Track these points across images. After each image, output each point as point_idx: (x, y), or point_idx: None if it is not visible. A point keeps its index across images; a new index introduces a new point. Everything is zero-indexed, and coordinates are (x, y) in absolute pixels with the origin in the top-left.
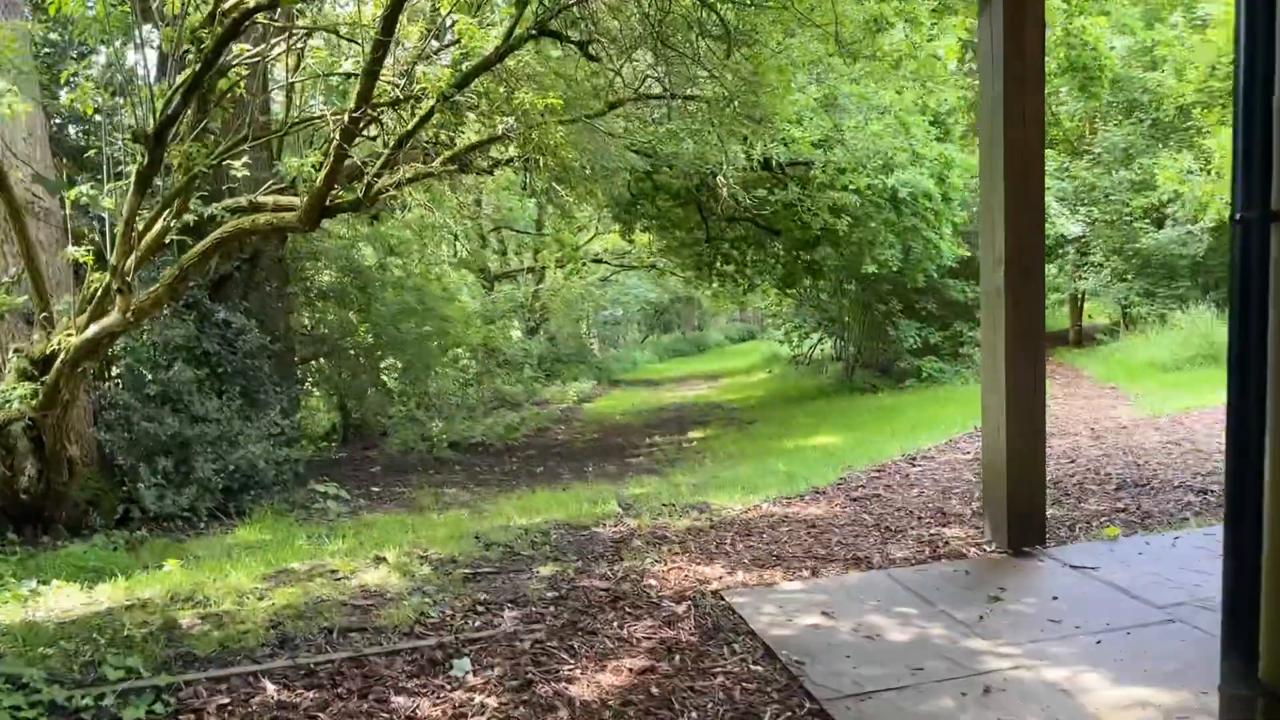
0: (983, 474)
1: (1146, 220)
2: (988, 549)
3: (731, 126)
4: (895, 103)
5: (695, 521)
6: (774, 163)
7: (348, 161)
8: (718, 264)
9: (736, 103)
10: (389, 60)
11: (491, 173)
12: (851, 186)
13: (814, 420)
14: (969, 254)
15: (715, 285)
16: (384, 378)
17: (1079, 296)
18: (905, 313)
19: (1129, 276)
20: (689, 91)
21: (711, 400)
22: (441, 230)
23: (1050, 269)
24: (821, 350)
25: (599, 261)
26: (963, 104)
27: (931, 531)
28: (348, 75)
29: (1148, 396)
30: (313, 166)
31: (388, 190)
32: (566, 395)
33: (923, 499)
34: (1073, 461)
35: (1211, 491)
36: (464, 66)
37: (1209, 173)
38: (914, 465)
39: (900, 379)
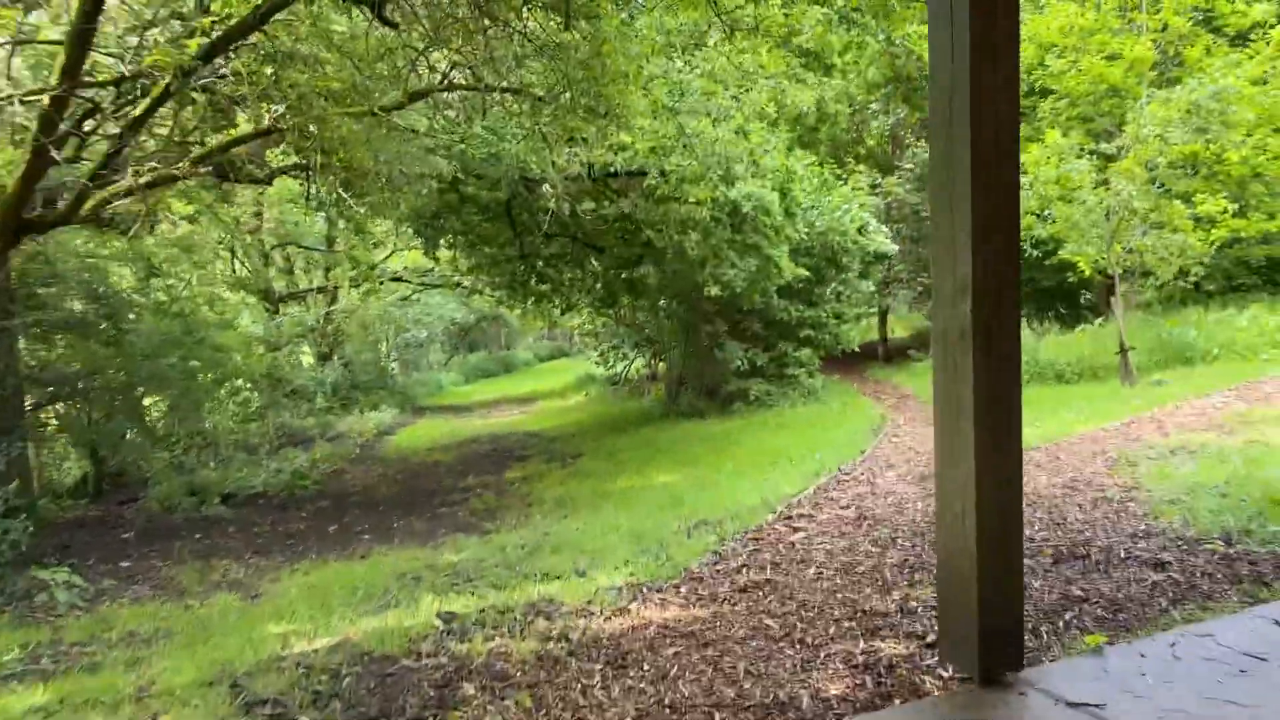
0: (938, 573)
1: None
2: (947, 675)
3: (566, 122)
4: (746, 104)
5: (546, 644)
6: (614, 170)
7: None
8: (532, 283)
9: (572, 93)
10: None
11: (269, 182)
12: (692, 199)
13: (644, 453)
14: (807, 274)
15: (530, 305)
16: (146, 418)
17: (885, 311)
18: (731, 333)
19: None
20: (511, 80)
21: (527, 429)
22: (215, 247)
23: (868, 284)
24: (638, 371)
25: (399, 280)
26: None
27: (862, 648)
28: (52, 44)
29: None
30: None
31: (115, 199)
32: (366, 427)
33: (828, 586)
34: None
35: (1168, 565)
36: (214, 34)
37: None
38: (794, 529)
39: (727, 403)
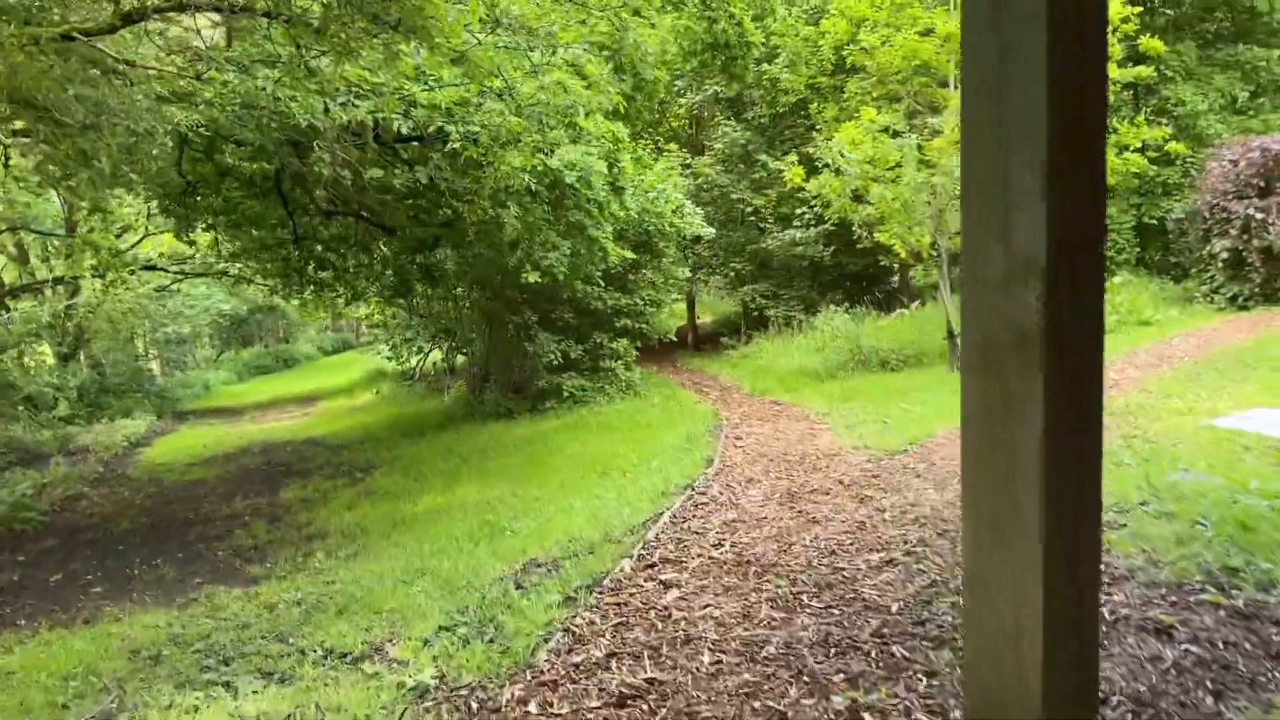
0: (970, 713)
1: (770, 220)
2: None
3: (355, 44)
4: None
5: None
6: (414, 132)
7: None
8: (310, 270)
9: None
10: None
11: None
12: (509, 165)
13: (449, 463)
14: (633, 256)
15: (309, 295)
16: None
17: (693, 297)
18: (541, 323)
19: (753, 277)
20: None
21: (310, 435)
22: None
23: (684, 270)
24: (435, 365)
25: (153, 269)
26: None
27: None
28: None
29: (837, 417)
30: None
31: None
32: (114, 439)
33: (734, 687)
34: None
35: (1174, 632)
36: None
37: (836, 171)
38: (662, 583)
39: (539, 400)
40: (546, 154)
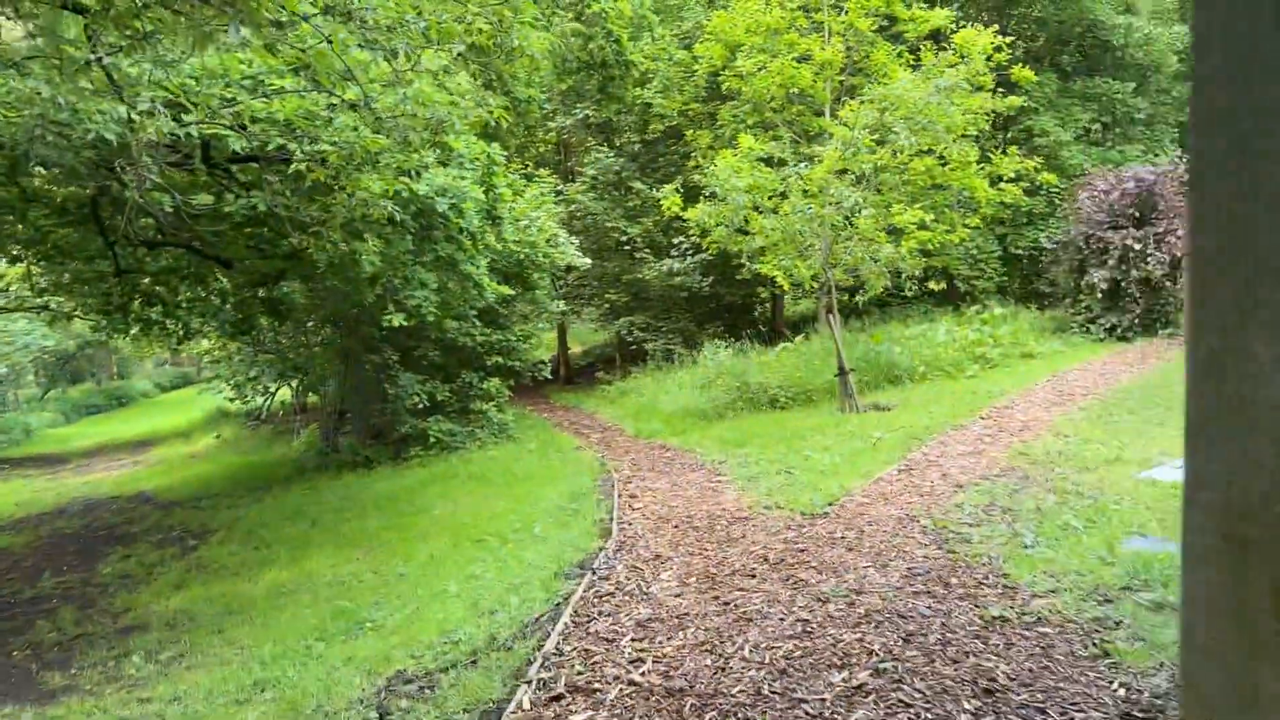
0: None
1: (647, 250)
2: None
3: (151, 24)
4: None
5: None
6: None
7: None
8: (136, 305)
9: None
10: None
11: None
12: (366, 190)
13: (296, 525)
14: (510, 292)
15: (136, 332)
16: None
17: (564, 328)
18: (404, 362)
19: (629, 309)
20: None
21: (140, 488)
22: None
23: (559, 304)
24: (283, 405)
25: None
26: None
27: None
28: None
29: (735, 465)
30: None
31: None
32: None
33: None
34: None
35: None
36: None
37: (718, 199)
38: None
39: (402, 447)
40: (413, 177)
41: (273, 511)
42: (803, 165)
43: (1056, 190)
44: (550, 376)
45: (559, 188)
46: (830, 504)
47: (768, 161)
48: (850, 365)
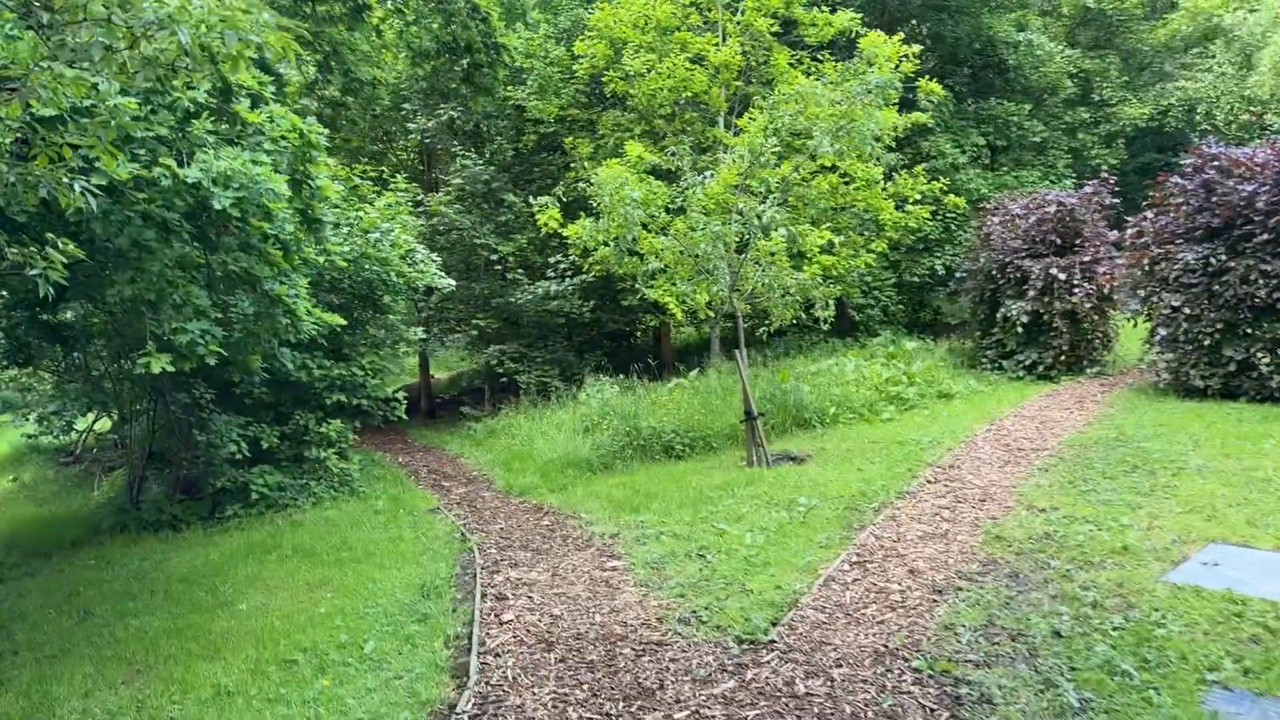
0: None
1: (520, 270)
2: None
3: None
4: None
5: None
6: None
7: None
8: None
9: None
10: None
11: None
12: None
13: (62, 620)
14: (342, 321)
15: None
16: None
17: (426, 356)
18: (220, 401)
19: (500, 336)
20: None
21: None
22: None
23: (417, 330)
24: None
25: None
26: None
27: None
28: None
29: (632, 542)
30: None
31: None
32: None
33: None
34: None
35: None
36: None
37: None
38: None
39: (218, 504)
40: (182, 160)
41: (40, 595)
42: (706, 176)
43: (953, 216)
44: (404, 417)
45: (419, 197)
46: (774, 621)
47: (658, 174)
48: (761, 410)
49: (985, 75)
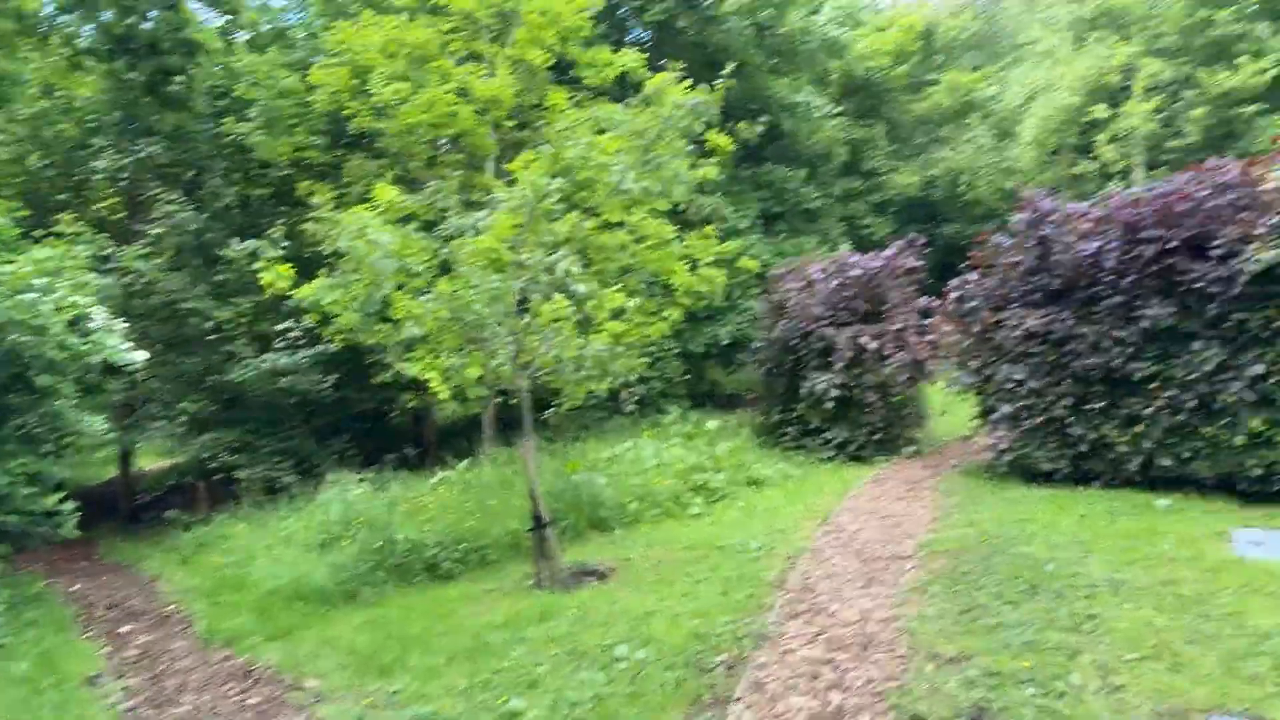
0: None
1: (243, 340)
2: None
3: None
4: None
5: None
6: None
7: None
8: None
9: None
10: None
11: None
12: None
13: None
14: None
15: None
16: None
17: (128, 450)
18: None
19: (217, 422)
20: None
21: None
22: None
23: (98, 420)
24: None
25: None
26: None
27: None
28: None
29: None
30: None
31: None
32: None
33: None
34: None
35: None
36: None
37: (327, 271)
38: None
39: None
40: None
41: None
42: (481, 216)
43: (737, 283)
44: (78, 533)
45: (106, 251)
46: None
47: (413, 223)
48: (551, 517)
49: (761, 140)
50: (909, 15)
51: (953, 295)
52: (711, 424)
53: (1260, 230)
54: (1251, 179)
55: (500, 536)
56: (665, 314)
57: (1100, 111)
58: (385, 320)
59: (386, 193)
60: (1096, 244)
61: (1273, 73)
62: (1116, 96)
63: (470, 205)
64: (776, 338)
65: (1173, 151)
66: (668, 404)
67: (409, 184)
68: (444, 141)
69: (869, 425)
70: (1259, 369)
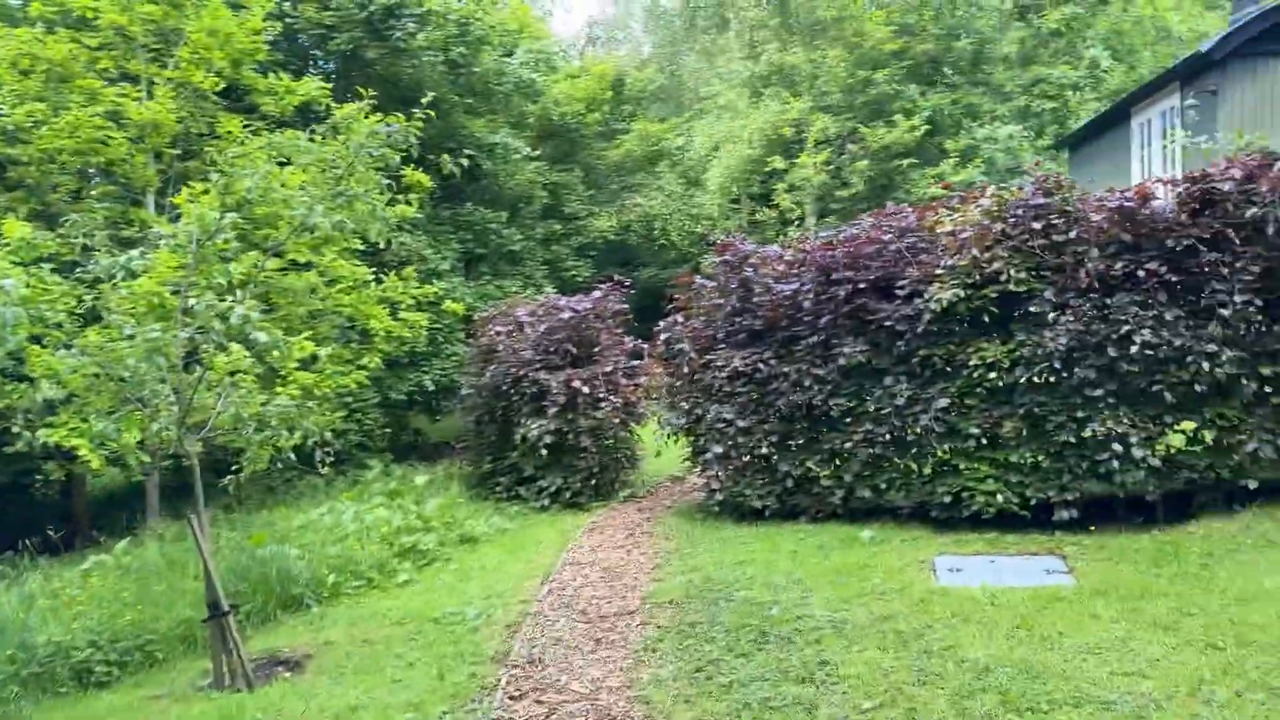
0: None
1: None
2: None
3: None
4: None
5: None
6: None
7: None
8: None
9: None
10: None
11: None
12: None
13: None
14: None
15: None
16: None
17: None
18: None
19: None
20: None
21: None
22: None
23: None
24: None
25: None
26: None
27: None
28: None
29: None
30: None
31: None
32: None
33: None
34: None
35: None
36: None
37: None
38: None
39: None
40: None
41: None
42: (137, 254)
43: (438, 327)
44: None
45: None
46: None
47: (57, 267)
48: (234, 602)
49: (462, 179)
50: (600, 64)
51: (661, 337)
52: (420, 479)
53: (939, 271)
54: (929, 223)
55: (170, 629)
56: (364, 361)
57: (778, 162)
58: (19, 379)
59: (16, 227)
60: (794, 286)
61: (923, 129)
62: (791, 149)
63: (124, 244)
64: (486, 383)
65: (840, 200)
66: (368, 459)
67: (50, 220)
68: (93, 171)
69: (584, 470)
70: (944, 402)
